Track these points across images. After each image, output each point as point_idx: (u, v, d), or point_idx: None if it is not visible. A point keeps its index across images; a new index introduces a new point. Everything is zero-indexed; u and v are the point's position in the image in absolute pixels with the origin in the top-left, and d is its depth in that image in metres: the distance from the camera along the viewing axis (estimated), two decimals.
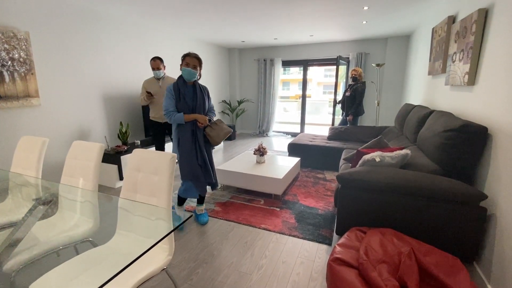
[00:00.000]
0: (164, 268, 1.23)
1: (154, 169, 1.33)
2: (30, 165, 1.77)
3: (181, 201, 2.32)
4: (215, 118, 2.26)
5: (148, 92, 3.03)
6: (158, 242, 0.98)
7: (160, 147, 3.30)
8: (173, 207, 2.30)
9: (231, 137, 6.04)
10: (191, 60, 2.01)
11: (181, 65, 2.05)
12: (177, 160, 1.71)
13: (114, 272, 1.14)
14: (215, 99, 6.16)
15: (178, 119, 2.02)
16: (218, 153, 4.89)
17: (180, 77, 2.07)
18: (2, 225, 1.48)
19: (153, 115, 3.20)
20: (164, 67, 3.16)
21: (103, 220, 1.49)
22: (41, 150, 1.76)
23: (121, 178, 3.18)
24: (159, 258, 1.24)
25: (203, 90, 2.17)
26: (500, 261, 1.45)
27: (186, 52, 2.42)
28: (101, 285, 0.80)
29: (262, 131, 6.59)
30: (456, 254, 1.64)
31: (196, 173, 2.11)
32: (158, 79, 3.15)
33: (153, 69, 3.10)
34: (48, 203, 1.26)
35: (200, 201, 2.35)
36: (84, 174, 1.57)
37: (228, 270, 1.73)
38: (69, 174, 1.63)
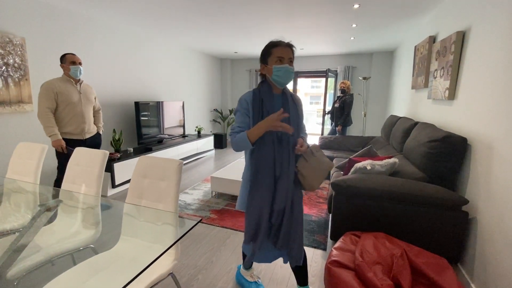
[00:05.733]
0: (171, 273, 1.26)
1: (161, 175, 1.37)
2: (28, 171, 1.75)
3: (248, 261, 1.55)
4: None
5: (65, 148, 2.24)
6: (170, 247, 1.02)
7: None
8: (238, 269, 1.74)
9: (222, 145, 6.06)
10: (285, 52, 1.21)
11: (263, 64, 1.28)
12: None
13: (121, 278, 1.16)
14: (206, 108, 6.20)
15: (240, 141, 1.20)
16: (209, 161, 4.91)
17: (264, 83, 1.31)
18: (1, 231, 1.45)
19: (69, 129, 2.27)
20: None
21: (107, 226, 1.50)
22: (40, 156, 1.75)
23: (113, 185, 3.14)
24: (165, 263, 1.26)
25: (297, 102, 1.36)
26: (482, 261, 1.57)
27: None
28: None
29: None
30: (442, 255, 1.76)
31: (259, 229, 1.28)
32: (78, 81, 2.32)
33: (73, 63, 2.20)
34: (53, 209, 1.26)
35: (302, 279, 1.47)
36: (87, 180, 1.58)
37: (227, 276, 1.76)
38: (71, 181, 1.63)
